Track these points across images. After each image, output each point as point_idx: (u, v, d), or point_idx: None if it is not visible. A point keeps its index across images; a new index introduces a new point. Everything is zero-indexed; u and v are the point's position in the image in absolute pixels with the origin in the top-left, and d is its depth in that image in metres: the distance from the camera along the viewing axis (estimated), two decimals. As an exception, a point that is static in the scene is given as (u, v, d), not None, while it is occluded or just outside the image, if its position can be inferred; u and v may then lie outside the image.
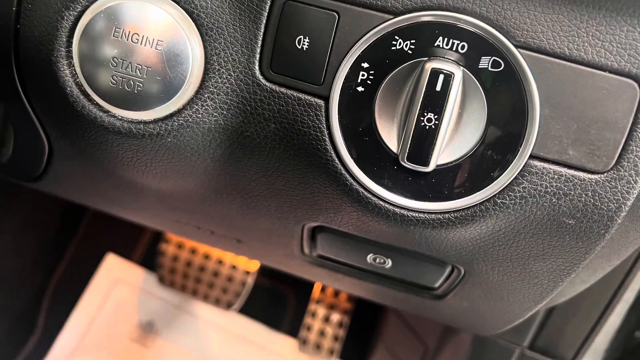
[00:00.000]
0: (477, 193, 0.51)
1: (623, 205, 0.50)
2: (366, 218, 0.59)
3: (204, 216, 0.81)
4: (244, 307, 1.90)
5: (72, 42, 0.54)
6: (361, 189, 0.55)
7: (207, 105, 0.55)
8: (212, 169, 0.63)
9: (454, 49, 0.47)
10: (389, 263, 0.72)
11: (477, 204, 0.52)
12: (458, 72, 0.46)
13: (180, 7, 0.52)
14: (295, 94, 0.53)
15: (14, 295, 1.79)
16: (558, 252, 0.59)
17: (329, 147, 0.53)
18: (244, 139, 0.58)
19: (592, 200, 0.50)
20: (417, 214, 0.54)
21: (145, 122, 0.56)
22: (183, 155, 0.60)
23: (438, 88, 0.46)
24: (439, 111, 0.46)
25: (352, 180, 0.54)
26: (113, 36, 0.51)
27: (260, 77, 0.53)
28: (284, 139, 0.56)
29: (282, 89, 0.53)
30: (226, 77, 0.54)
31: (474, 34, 0.47)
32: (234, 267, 1.90)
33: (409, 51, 0.48)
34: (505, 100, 0.48)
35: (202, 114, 0.55)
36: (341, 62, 0.50)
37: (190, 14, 0.52)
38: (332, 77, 0.51)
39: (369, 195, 0.55)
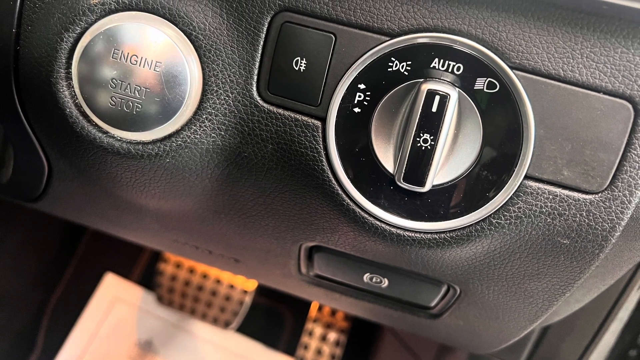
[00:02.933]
0: (473, 213, 0.52)
1: (617, 225, 0.50)
2: (363, 238, 0.59)
3: (202, 236, 0.81)
4: (242, 326, 1.89)
5: (71, 64, 0.54)
6: (358, 209, 0.55)
7: (205, 126, 0.55)
8: (210, 189, 0.63)
9: (449, 70, 0.48)
10: (385, 282, 0.72)
11: (472, 224, 0.53)
12: (454, 94, 0.46)
13: (179, 28, 0.52)
14: (292, 115, 0.53)
15: (14, 314, 1.78)
16: (553, 272, 0.59)
17: (326, 167, 0.54)
18: (242, 160, 0.58)
19: (586, 220, 0.50)
20: (413, 234, 0.54)
21: (143, 143, 0.56)
22: (181, 175, 0.60)
23: (434, 109, 0.46)
24: (435, 132, 0.47)
25: (348, 201, 0.54)
26: (112, 57, 0.52)
27: (258, 98, 0.54)
28: (281, 159, 0.56)
29: (280, 110, 0.53)
30: (224, 98, 0.54)
31: (469, 55, 0.48)
32: (231, 286, 1.90)
33: (405, 72, 0.49)
34: (500, 121, 0.49)
35: (200, 134, 0.55)
36: (338, 83, 0.50)
37: (188, 35, 0.52)
38: (329, 98, 0.51)
39: (366, 215, 0.55)
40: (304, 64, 0.51)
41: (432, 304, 0.74)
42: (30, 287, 1.84)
